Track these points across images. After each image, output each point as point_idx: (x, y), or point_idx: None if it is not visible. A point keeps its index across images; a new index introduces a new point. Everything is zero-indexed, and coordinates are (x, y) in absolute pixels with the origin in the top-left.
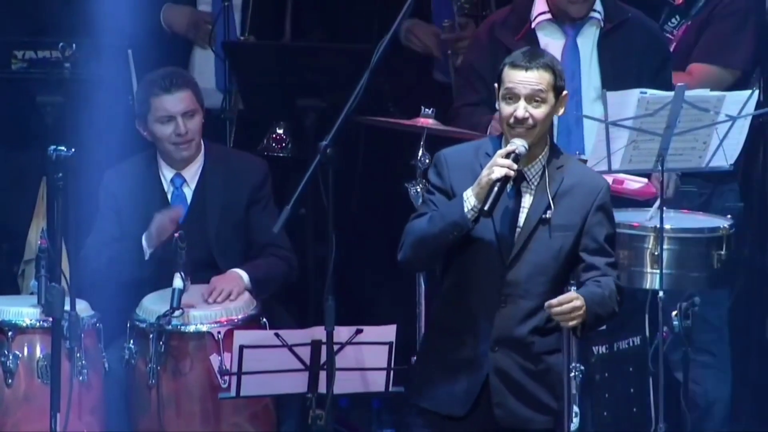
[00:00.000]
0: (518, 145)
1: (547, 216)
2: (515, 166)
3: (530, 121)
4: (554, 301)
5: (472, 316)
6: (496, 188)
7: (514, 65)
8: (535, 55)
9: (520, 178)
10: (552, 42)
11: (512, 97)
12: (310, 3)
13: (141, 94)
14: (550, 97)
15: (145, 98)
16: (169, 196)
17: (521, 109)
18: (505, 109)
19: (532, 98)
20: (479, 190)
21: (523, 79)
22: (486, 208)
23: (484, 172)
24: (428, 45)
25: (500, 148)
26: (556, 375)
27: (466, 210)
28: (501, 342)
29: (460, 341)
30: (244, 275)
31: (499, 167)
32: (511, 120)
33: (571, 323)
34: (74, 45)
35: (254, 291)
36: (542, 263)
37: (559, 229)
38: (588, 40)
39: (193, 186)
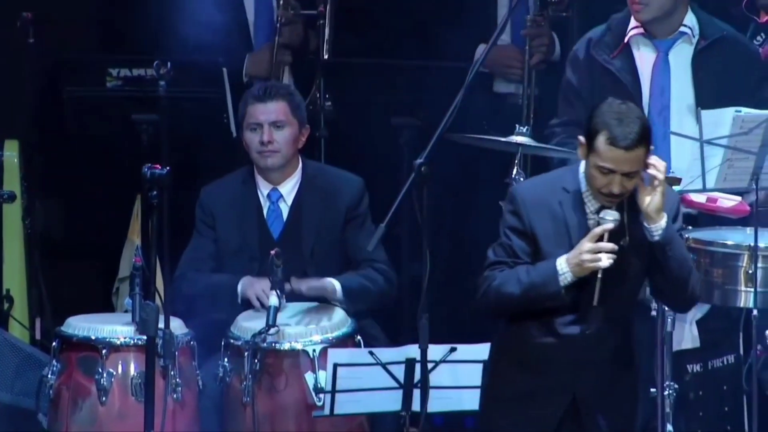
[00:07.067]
0: (610, 220)
1: (622, 243)
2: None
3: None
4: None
5: (558, 344)
6: (599, 275)
7: (615, 144)
8: (631, 137)
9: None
10: (645, 56)
11: (607, 172)
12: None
13: (241, 105)
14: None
15: (243, 107)
16: (264, 211)
17: (617, 185)
18: (600, 179)
19: (627, 174)
20: (579, 270)
21: (621, 158)
22: (596, 303)
23: (586, 257)
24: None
25: (577, 182)
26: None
27: (562, 285)
28: (587, 362)
29: (541, 369)
30: (337, 285)
31: (606, 256)
32: (605, 191)
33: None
34: (169, 63)
35: (347, 302)
36: (627, 285)
37: (634, 251)
38: (681, 57)
39: (289, 202)
